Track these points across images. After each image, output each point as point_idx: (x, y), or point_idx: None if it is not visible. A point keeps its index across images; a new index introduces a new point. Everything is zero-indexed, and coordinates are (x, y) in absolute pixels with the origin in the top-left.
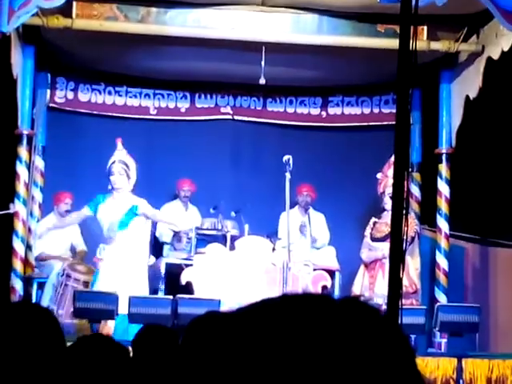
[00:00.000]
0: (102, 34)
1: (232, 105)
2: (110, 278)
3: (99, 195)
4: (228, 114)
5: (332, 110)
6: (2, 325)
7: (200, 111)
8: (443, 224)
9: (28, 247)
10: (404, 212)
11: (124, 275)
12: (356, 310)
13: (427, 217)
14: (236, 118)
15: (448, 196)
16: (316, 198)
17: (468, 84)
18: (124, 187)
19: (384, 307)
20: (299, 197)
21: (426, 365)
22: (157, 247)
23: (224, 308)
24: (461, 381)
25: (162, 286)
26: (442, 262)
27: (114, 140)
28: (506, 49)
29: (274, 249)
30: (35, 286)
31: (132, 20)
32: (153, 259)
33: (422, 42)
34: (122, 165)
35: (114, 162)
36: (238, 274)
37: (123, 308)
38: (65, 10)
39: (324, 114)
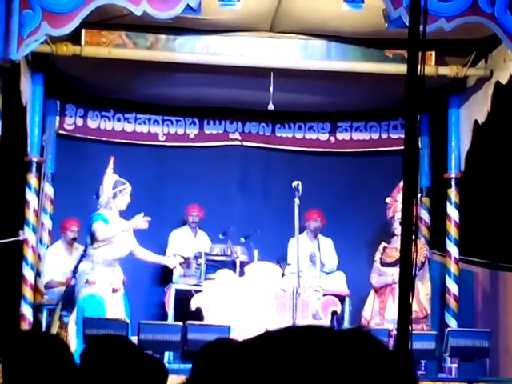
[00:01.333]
0: (110, 61)
1: (241, 131)
2: None
3: (99, 214)
4: (237, 139)
5: (340, 136)
6: (15, 354)
7: (209, 137)
8: (453, 249)
9: (37, 274)
10: (413, 237)
11: None
12: (359, 342)
13: (437, 241)
14: (245, 143)
15: (457, 220)
16: (325, 223)
17: (476, 109)
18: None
19: (394, 332)
20: (311, 222)
21: None
22: (166, 273)
23: (234, 334)
24: None
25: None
26: (452, 286)
27: (123, 166)
28: None
29: (283, 274)
30: (45, 313)
31: (141, 47)
32: None
33: (430, 67)
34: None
35: (123, 183)
36: (247, 299)
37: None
38: (74, 38)
39: (333, 139)
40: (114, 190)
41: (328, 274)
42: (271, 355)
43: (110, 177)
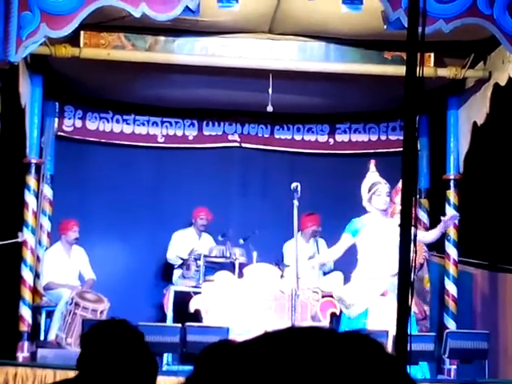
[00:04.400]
0: (109, 63)
1: (240, 132)
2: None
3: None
4: (236, 141)
5: (339, 137)
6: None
7: (208, 139)
8: (452, 250)
9: (36, 276)
10: (412, 238)
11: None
12: (358, 344)
13: (436, 243)
14: (244, 145)
15: (456, 222)
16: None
17: (475, 110)
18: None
19: (393, 334)
20: (310, 229)
21: None
22: (165, 275)
23: (233, 336)
24: None
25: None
26: (451, 288)
27: (122, 168)
28: None
29: (282, 276)
30: (44, 315)
31: (140, 49)
32: None
33: (429, 68)
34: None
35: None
36: (246, 301)
37: None
38: (72, 39)
39: (331, 141)
40: (369, 193)
41: (325, 274)
42: (271, 356)
43: (367, 180)
